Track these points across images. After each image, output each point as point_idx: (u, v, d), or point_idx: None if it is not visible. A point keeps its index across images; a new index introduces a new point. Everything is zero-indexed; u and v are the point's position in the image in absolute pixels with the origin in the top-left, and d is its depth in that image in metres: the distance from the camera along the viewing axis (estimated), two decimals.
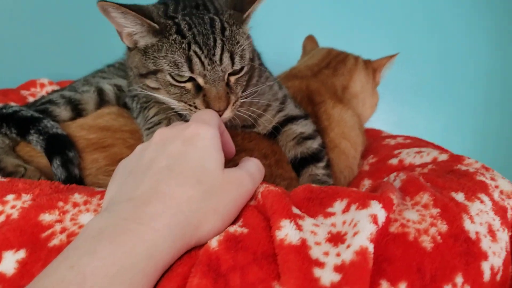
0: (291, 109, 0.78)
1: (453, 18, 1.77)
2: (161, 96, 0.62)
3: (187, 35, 0.57)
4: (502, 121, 1.88)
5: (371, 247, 0.40)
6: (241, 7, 0.62)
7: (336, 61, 1.04)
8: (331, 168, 0.80)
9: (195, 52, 0.56)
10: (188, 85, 0.59)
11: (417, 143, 0.86)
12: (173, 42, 0.57)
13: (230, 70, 0.59)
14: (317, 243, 0.42)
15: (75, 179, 0.63)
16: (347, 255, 0.39)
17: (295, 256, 0.39)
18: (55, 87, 1.20)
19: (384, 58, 1.08)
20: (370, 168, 0.84)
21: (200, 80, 0.58)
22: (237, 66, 0.59)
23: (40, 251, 0.44)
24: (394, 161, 0.77)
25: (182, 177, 0.44)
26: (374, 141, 0.98)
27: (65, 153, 0.64)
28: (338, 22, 1.68)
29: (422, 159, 0.73)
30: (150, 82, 0.62)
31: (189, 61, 0.56)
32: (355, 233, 0.41)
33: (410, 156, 0.75)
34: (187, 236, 0.41)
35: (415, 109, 1.80)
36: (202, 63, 0.57)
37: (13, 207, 0.49)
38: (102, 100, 0.77)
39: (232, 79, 0.61)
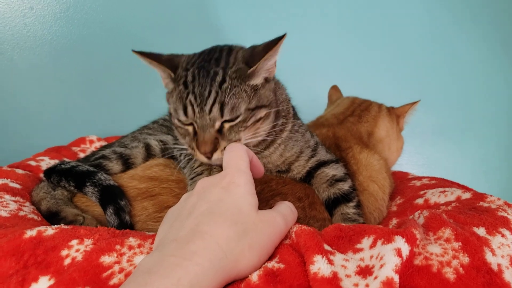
0: (322, 154, 0.84)
1: (473, 61, 1.81)
2: (176, 135, 0.73)
3: (189, 86, 0.67)
4: None
5: (396, 278, 0.44)
6: (251, 63, 0.68)
7: (360, 109, 1.09)
8: (362, 210, 0.83)
9: (190, 101, 0.66)
10: (190, 129, 0.68)
11: (441, 183, 0.88)
12: (179, 90, 0.67)
13: (219, 120, 0.65)
14: (348, 276, 0.46)
15: (126, 225, 0.69)
16: (375, 285, 0.43)
17: (328, 287, 0.44)
18: (103, 143, 1.30)
19: (407, 105, 1.13)
20: (398, 209, 0.86)
21: (195, 125, 0.67)
22: (226, 117, 0.65)
23: None
24: (420, 201, 0.80)
25: (220, 219, 0.49)
26: (400, 183, 1.00)
27: (117, 202, 0.71)
28: (361, 71, 1.75)
29: (446, 198, 0.75)
30: (173, 123, 0.72)
31: (184, 108, 0.66)
32: (382, 266, 0.45)
33: (435, 196, 0.78)
34: (226, 270, 0.46)
35: (442, 152, 1.82)
36: (194, 111, 0.66)
37: (77, 250, 0.55)
38: (149, 154, 0.85)
39: (226, 125, 0.66)
